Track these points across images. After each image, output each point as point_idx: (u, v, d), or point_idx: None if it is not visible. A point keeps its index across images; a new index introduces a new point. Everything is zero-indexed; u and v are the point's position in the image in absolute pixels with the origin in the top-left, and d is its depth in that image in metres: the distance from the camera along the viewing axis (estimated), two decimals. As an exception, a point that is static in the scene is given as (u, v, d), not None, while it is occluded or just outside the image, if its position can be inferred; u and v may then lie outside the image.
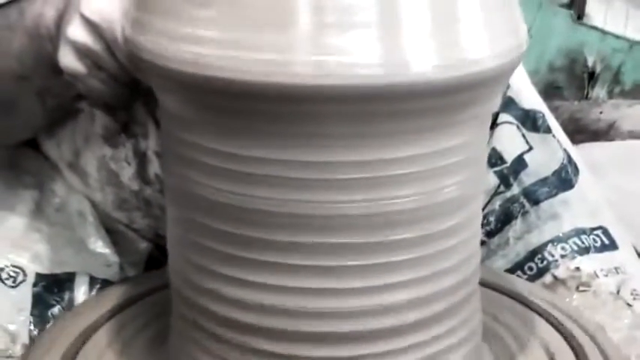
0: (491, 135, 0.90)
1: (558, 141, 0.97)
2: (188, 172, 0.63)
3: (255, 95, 0.55)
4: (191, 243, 0.65)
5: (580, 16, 1.89)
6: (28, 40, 0.78)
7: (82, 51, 0.73)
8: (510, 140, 0.96)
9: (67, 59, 0.74)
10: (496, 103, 0.95)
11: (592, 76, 1.87)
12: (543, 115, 0.98)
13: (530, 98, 0.99)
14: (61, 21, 0.74)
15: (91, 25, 0.71)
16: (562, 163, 0.95)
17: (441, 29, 0.56)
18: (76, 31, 0.72)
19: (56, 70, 0.76)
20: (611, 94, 1.87)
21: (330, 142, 0.57)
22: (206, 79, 0.56)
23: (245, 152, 0.59)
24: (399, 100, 0.56)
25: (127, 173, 0.91)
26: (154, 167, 0.90)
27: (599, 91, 1.87)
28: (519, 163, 0.95)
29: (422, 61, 0.55)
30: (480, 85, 0.59)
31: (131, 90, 0.75)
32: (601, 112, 1.66)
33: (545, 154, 0.96)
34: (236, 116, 0.58)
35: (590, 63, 1.86)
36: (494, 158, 0.94)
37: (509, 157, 0.95)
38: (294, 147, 0.58)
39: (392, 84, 0.55)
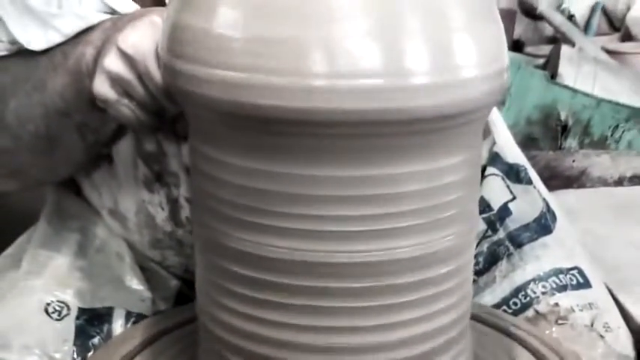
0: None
1: (538, 191, 0.98)
2: (215, 223, 0.63)
3: (277, 118, 0.56)
4: (217, 285, 0.66)
5: (553, 76, 1.90)
6: (69, 79, 0.77)
7: (114, 79, 0.72)
8: (496, 190, 0.97)
9: (101, 87, 0.73)
10: (483, 155, 0.96)
11: (564, 129, 1.85)
12: (525, 169, 0.99)
13: (513, 154, 1.00)
14: (98, 56, 0.74)
15: (126, 57, 0.71)
16: (542, 211, 0.96)
17: (438, 64, 0.57)
18: (112, 62, 0.72)
19: (94, 105, 0.76)
20: (581, 145, 1.84)
21: (344, 157, 0.58)
22: (233, 101, 0.57)
23: (267, 167, 0.59)
24: (403, 123, 0.57)
25: (162, 216, 0.92)
26: (185, 212, 0.90)
27: (571, 142, 1.85)
28: (504, 211, 0.96)
29: (420, 87, 0.56)
30: (469, 108, 0.60)
31: (157, 118, 0.75)
32: (573, 161, 1.65)
33: (527, 203, 0.96)
34: (258, 132, 0.59)
35: (562, 117, 1.85)
36: (483, 206, 0.95)
37: (496, 205, 0.96)
38: (311, 162, 0.58)
39: (396, 108, 0.56)
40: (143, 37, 0.70)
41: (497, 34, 0.62)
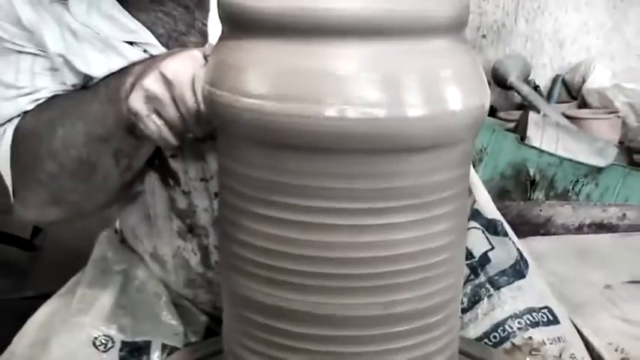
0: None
1: (513, 242, 0.99)
2: (239, 278, 0.64)
3: (297, 139, 0.57)
4: (238, 329, 0.66)
5: (522, 138, 1.93)
6: (109, 106, 0.76)
7: (150, 97, 0.71)
8: (477, 241, 0.98)
9: (135, 101, 0.72)
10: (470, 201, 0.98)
11: (533, 183, 1.88)
12: (502, 223, 1.01)
13: (491, 210, 1.01)
14: (136, 81, 0.73)
15: (165, 80, 0.70)
16: (516, 259, 0.97)
17: (429, 98, 0.58)
18: (151, 82, 0.71)
19: (130, 129, 0.75)
20: (547, 197, 1.87)
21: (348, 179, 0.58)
22: (262, 125, 0.58)
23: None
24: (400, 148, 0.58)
25: (195, 260, 0.93)
26: (214, 256, 0.91)
27: (539, 194, 1.88)
28: (485, 258, 0.97)
29: (415, 114, 0.58)
30: (455, 133, 0.61)
31: (179, 139, 0.74)
32: (540, 210, 1.65)
33: (504, 252, 0.98)
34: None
35: (531, 173, 1.88)
36: (466, 254, 0.89)
37: (477, 253, 0.97)
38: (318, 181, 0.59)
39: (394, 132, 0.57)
40: (183, 66, 0.70)
41: (478, 75, 0.63)
